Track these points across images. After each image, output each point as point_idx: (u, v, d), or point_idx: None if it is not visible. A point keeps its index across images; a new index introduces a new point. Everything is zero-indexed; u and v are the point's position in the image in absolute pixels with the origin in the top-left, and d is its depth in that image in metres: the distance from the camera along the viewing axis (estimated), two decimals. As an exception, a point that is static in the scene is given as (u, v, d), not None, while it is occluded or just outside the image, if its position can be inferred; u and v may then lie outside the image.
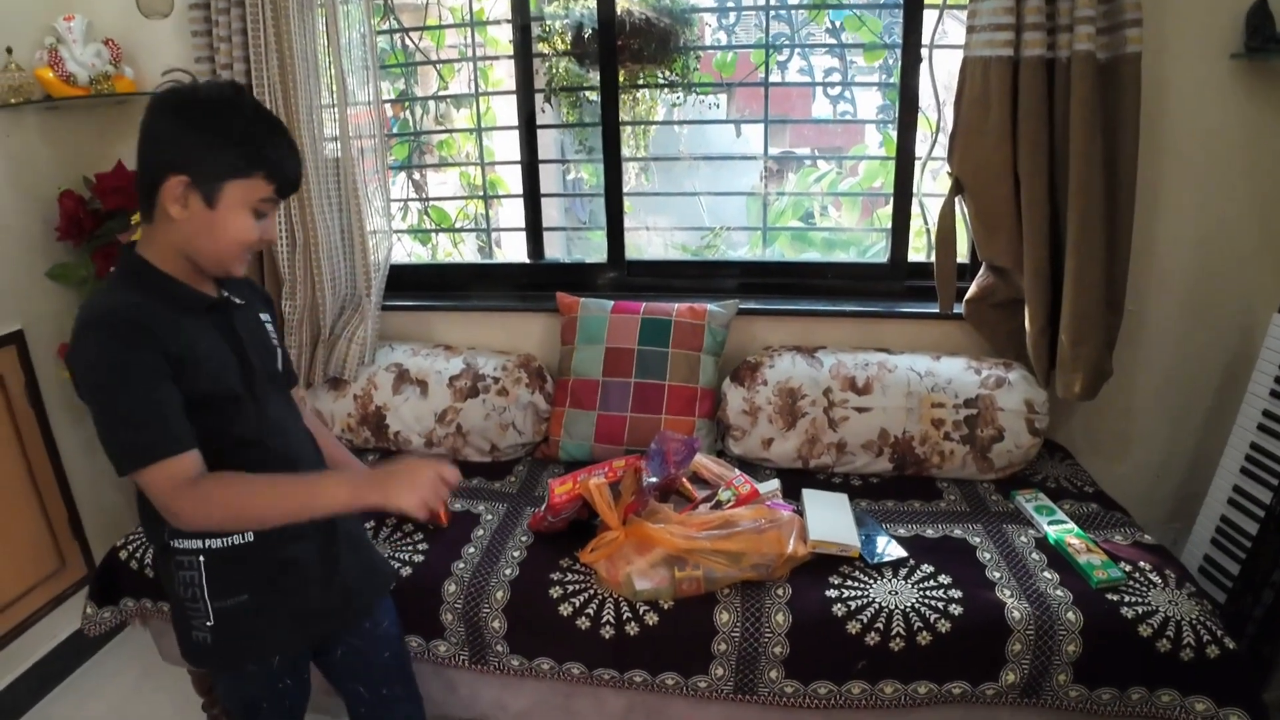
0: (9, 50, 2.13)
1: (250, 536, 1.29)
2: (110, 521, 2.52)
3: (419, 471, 1.20)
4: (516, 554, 1.77)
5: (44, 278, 2.33)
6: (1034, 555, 1.71)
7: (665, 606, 1.61)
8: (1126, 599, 1.56)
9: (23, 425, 2.24)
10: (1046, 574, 1.64)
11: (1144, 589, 1.59)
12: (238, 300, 1.35)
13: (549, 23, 2.51)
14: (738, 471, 1.96)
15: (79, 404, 2.40)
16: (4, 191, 2.19)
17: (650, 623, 1.60)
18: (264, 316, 1.42)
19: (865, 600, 1.59)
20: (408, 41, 2.75)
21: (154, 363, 1.15)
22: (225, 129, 1.18)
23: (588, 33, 2.44)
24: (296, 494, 1.21)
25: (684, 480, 1.89)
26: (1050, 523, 1.80)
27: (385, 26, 2.62)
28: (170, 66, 2.37)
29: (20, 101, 2.14)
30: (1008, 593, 1.59)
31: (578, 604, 1.63)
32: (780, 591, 1.62)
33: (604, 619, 1.61)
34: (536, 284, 2.55)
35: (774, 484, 1.93)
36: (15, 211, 2.23)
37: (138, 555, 1.87)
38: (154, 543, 1.33)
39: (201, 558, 1.28)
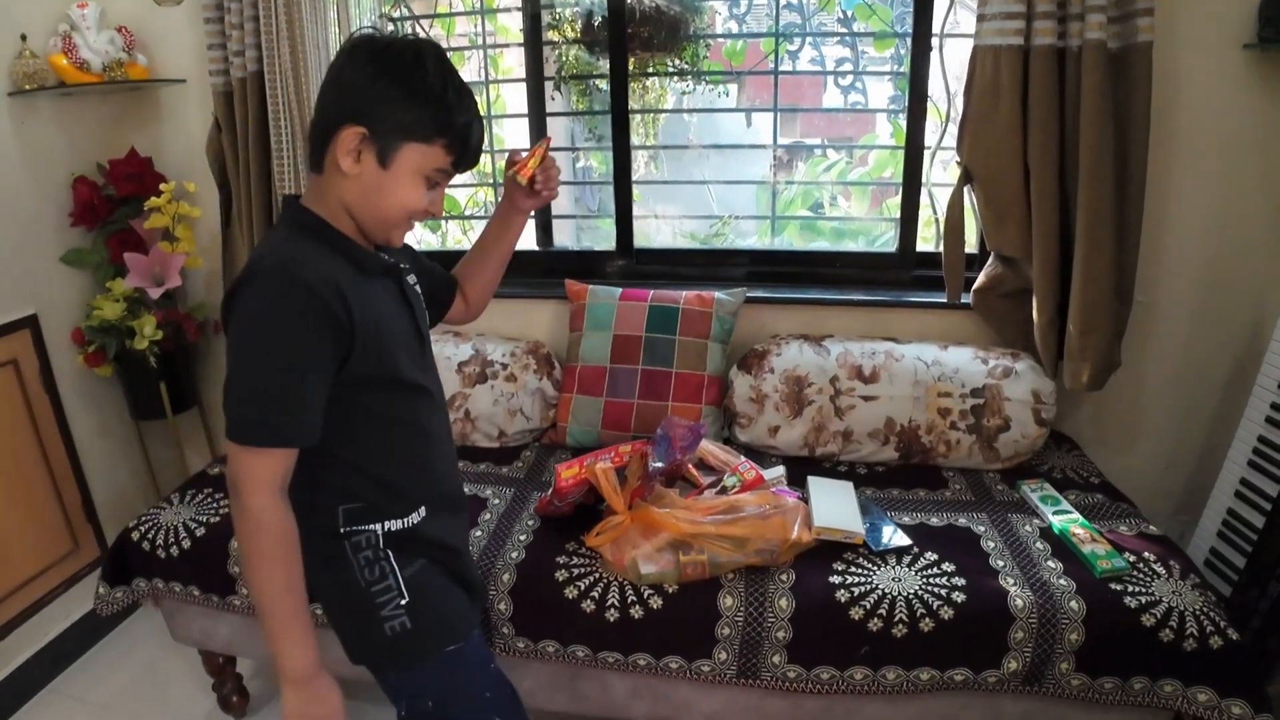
0: (23, 37, 2.15)
1: (423, 512, 1.26)
2: (123, 504, 2.56)
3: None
4: (523, 538, 1.78)
5: (58, 263, 2.35)
6: (1038, 544, 1.71)
7: (670, 590, 1.62)
8: (1130, 589, 1.56)
9: (37, 409, 2.27)
10: (1050, 563, 1.64)
11: (1148, 579, 1.59)
12: (403, 264, 1.30)
13: (559, 11, 2.52)
14: (743, 458, 1.97)
15: (92, 388, 2.46)
16: (19, 177, 2.21)
17: (654, 606, 1.61)
18: (412, 280, 1.35)
19: (869, 587, 1.60)
20: (418, 29, 2.76)
21: (319, 343, 1.09)
22: (415, 87, 1.10)
23: (597, 21, 2.45)
24: (277, 611, 1.12)
25: (690, 466, 1.90)
26: (1055, 513, 1.80)
27: (396, 14, 2.62)
28: (183, 53, 2.40)
29: (34, 88, 2.16)
30: (1011, 581, 1.59)
31: (583, 587, 1.65)
32: (784, 577, 1.62)
33: (609, 602, 1.62)
34: (545, 271, 2.56)
35: (779, 470, 1.94)
36: (30, 197, 2.25)
37: (150, 536, 1.89)
38: (320, 533, 1.22)
39: (379, 534, 1.23)
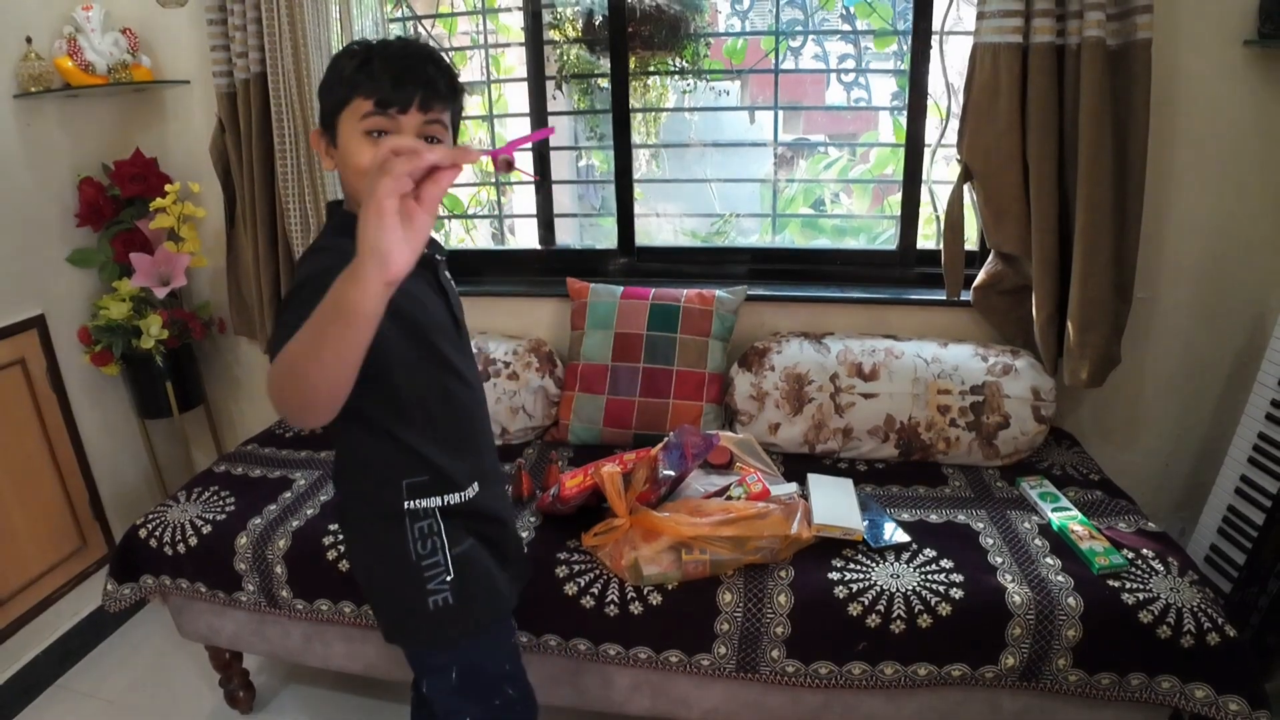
0: (28, 40, 2.17)
1: (475, 489, 1.32)
2: (130, 502, 2.58)
3: (373, 193, 0.83)
4: (525, 534, 1.80)
5: (64, 263, 2.38)
6: (1037, 541, 1.72)
7: (669, 587, 1.63)
8: (1128, 585, 1.57)
9: (44, 407, 2.30)
10: (1048, 560, 1.65)
11: (1146, 576, 1.60)
12: (439, 256, 1.36)
13: (560, 9, 2.52)
14: (755, 465, 1.94)
15: (99, 387, 2.49)
16: (25, 179, 2.23)
17: (654, 603, 1.62)
18: (447, 273, 1.39)
19: (867, 583, 1.60)
20: (420, 29, 2.77)
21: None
22: (330, 72, 1.20)
23: (598, 20, 2.46)
24: (324, 315, 0.89)
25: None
26: (1054, 509, 1.81)
27: (398, 14, 2.63)
28: (187, 55, 2.42)
29: (40, 90, 2.17)
30: (1009, 577, 1.60)
31: (583, 584, 1.66)
32: (783, 574, 1.63)
33: (608, 599, 1.64)
34: (548, 270, 2.57)
35: (791, 487, 1.86)
36: (36, 198, 2.27)
37: (157, 534, 1.91)
38: (376, 513, 1.29)
39: (438, 511, 1.29)
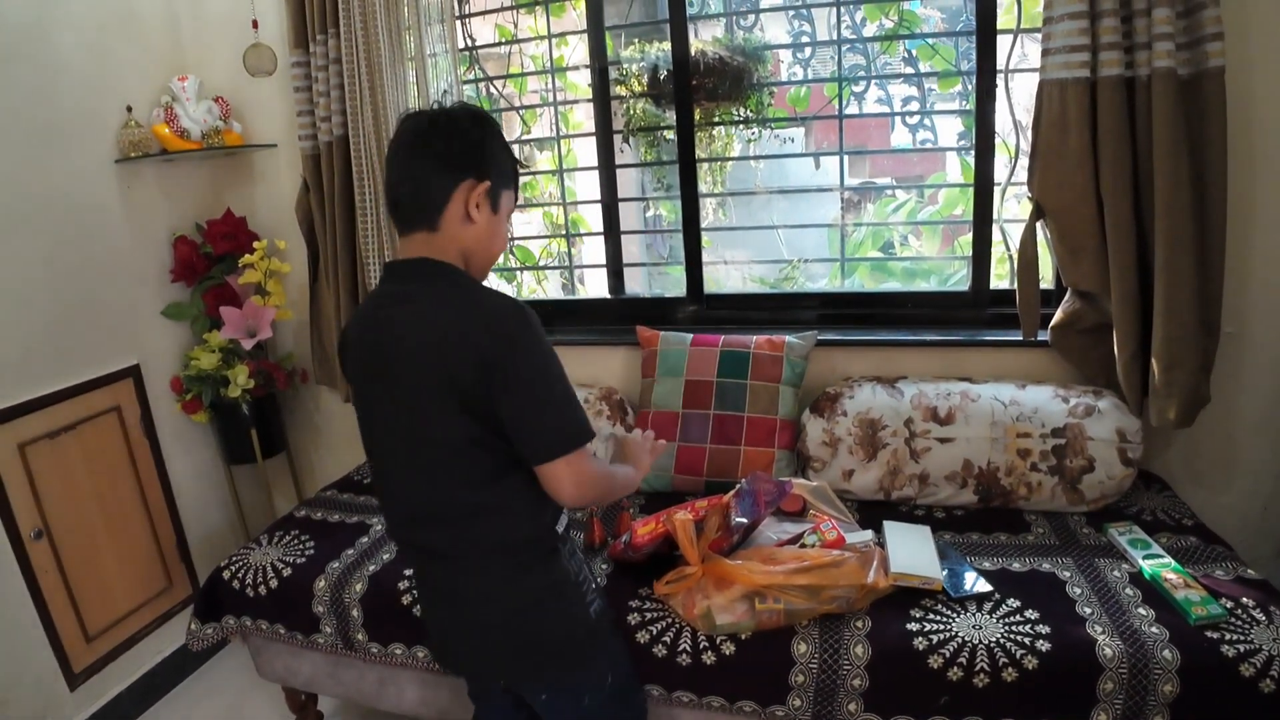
0: (129, 109, 2.32)
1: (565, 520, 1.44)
2: (214, 544, 2.67)
3: (653, 455, 1.58)
4: (597, 580, 1.79)
5: (159, 316, 2.51)
6: (1128, 590, 1.64)
7: (743, 637, 1.61)
8: (1227, 636, 1.48)
9: (137, 452, 2.41)
10: (1141, 610, 1.57)
11: (1246, 626, 1.51)
12: None
13: (626, 66, 2.59)
14: (829, 513, 1.91)
15: (188, 433, 2.59)
16: (124, 237, 2.38)
17: (727, 653, 1.60)
18: None
19: (948, 634, 1.55)
20: (492, 89, 2.87)
21: None
22: (503, 143, 1.33)
23: (663, 74, 2.51)
24: (629, 475, 1.46)
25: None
26: (1145, 557, 1.73)
27: (471, 76, 2.74)
28: (274, 120, 2.55)
29: (139, 155, 2.32)
30: (1099, 629, 1.53)
31: (655, 632, 1.65)
32: (860, 624, 1.59)
33: (680, 648, 1.62)
34: (617, 318, 2.60)
35: (866, 535, 1.81)
36: (134, 256, 2.41)
37: (240, 575, 1.97)
38: (544, 536, 1.36)
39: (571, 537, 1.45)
